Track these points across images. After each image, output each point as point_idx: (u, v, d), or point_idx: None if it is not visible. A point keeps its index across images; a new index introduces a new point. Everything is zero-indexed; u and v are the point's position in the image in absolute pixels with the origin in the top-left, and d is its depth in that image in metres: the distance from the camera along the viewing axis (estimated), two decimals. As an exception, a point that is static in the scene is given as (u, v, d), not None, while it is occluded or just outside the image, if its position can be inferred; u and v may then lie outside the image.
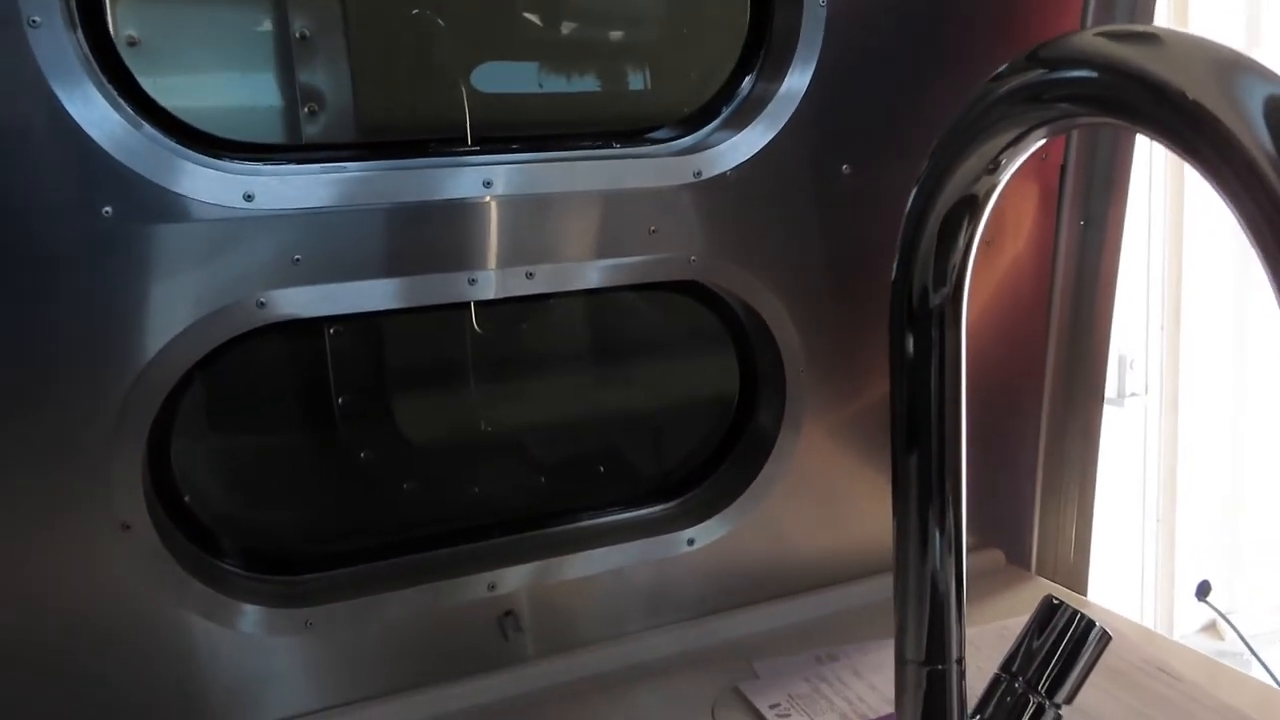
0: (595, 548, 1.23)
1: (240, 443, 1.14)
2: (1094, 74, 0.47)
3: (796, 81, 1.16)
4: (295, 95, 1.11)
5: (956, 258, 0.59)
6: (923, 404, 0.61)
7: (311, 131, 1.11)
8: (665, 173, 1.14)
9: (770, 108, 1.16)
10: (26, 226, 0.88)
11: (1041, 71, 0.50)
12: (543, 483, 1.28)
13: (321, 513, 1.18)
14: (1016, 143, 0.53)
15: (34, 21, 0.85)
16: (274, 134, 1.08)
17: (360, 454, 1.17)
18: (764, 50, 1.19)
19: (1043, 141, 0.53)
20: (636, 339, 1.33)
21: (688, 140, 1.18)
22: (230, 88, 1.08)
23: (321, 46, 1.11)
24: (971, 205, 0.57)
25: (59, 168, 0.88)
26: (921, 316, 0.59)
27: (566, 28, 1.20)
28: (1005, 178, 0.55)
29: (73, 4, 0.88)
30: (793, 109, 1.16)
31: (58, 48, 0.86)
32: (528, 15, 1.17)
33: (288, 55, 1.09)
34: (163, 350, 0.95)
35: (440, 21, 1.14)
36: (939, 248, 0.58)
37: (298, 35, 1.11)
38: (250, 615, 1.06)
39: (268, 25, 1.10)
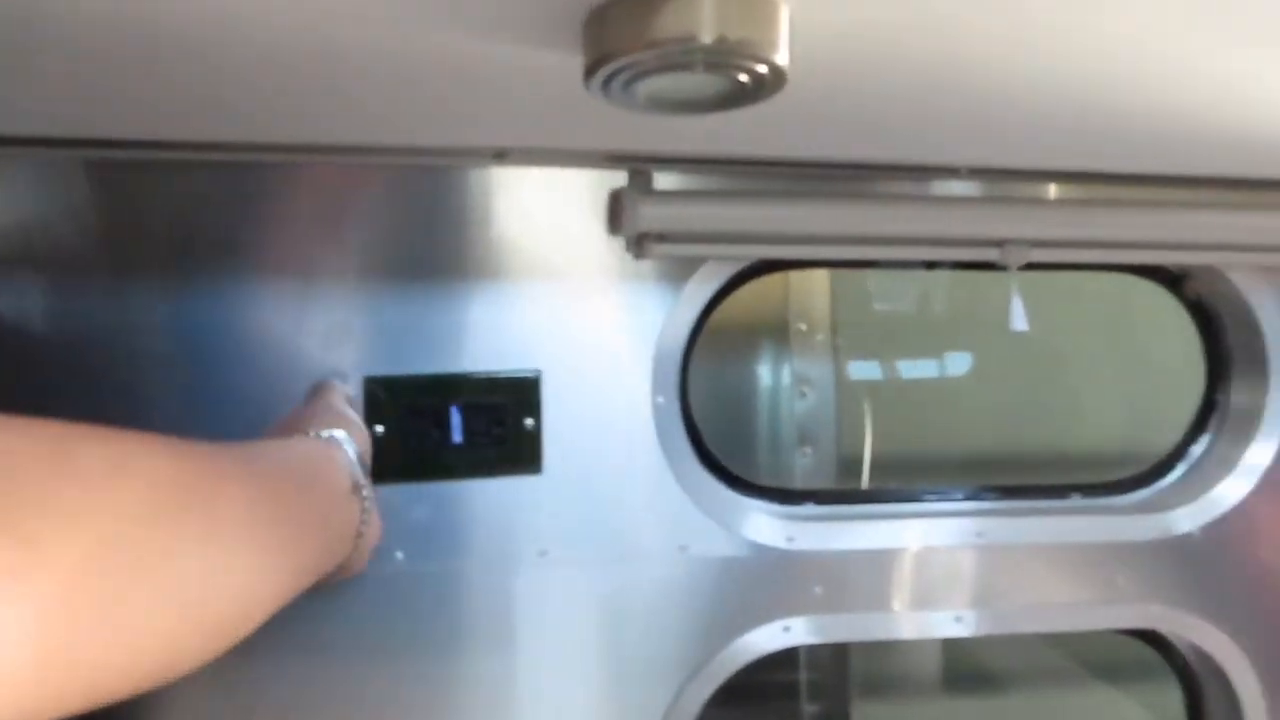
0: None
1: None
2: None
3: (1262, 449, 1.24)
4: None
5: None
6: None
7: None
8: (1130, 527, 1.24)
9: (1237, 471, 1.24)
10: (641, 551, 1.11)
11: None
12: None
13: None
14: None
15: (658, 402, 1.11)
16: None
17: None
18: (1221, 417, 1.28)
19: None
20: (1088, 673, 1.39)
21: (1147, 494, 1.28)
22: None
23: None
24: None
25: (659, 512, 1.12)
26: None
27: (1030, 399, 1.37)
28: None
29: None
30: (1260, 475, 1.23)
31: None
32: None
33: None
34: (722, 654, 1.14)
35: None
36: None
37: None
38: None
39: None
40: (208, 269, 1.02)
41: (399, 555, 1.07)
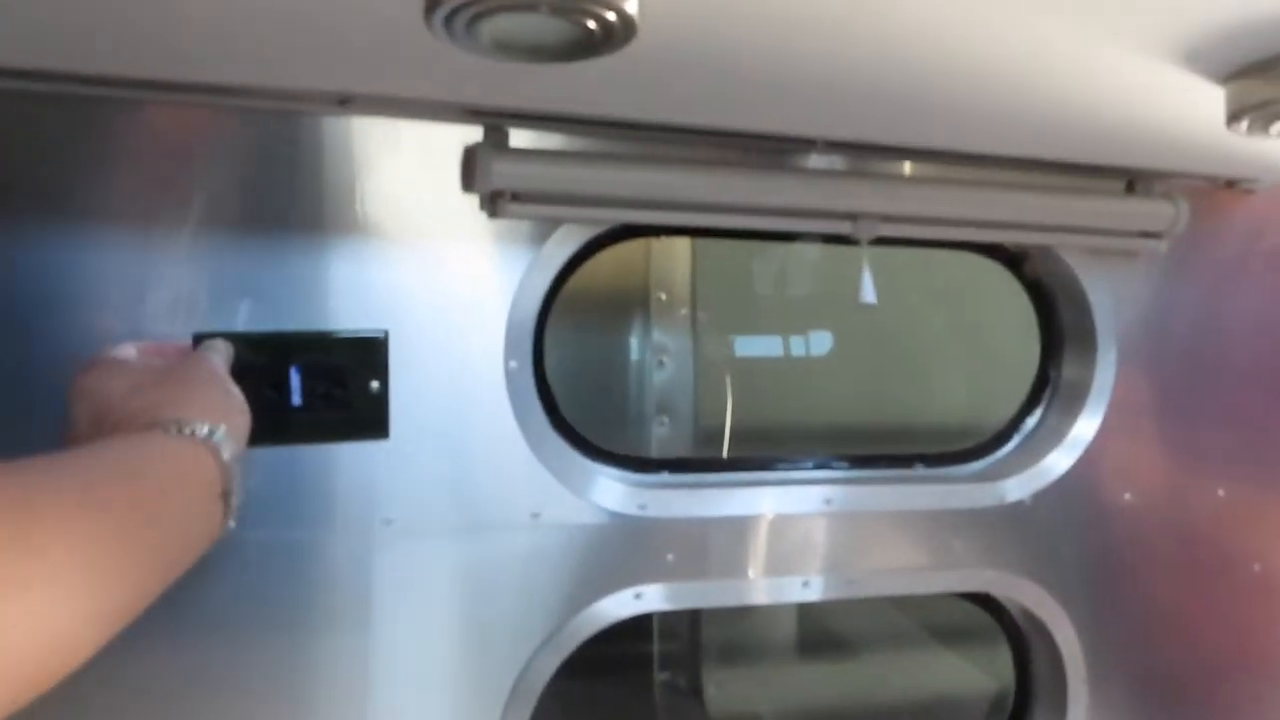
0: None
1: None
2: None
3: (1088, 423, 1.31)
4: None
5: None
6: None
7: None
8: (968, 496, 1.29)
9: (1065, 443, 1.30)
10: (492, 519, 1.09)
11: None
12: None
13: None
14: None
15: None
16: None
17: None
18: (1053, 392, 1.35)
19: None
20: (923, 629, 1.45)
21: (984, 465, 1.34)
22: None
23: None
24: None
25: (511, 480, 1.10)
26: None
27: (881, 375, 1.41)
28: None
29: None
30: (1085, 446, 1.30)
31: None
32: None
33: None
34: (573, 621, 1.13)
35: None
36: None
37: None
38: None
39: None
40: (26, 213, 0.93)
41: (230, 524, 1.01)
